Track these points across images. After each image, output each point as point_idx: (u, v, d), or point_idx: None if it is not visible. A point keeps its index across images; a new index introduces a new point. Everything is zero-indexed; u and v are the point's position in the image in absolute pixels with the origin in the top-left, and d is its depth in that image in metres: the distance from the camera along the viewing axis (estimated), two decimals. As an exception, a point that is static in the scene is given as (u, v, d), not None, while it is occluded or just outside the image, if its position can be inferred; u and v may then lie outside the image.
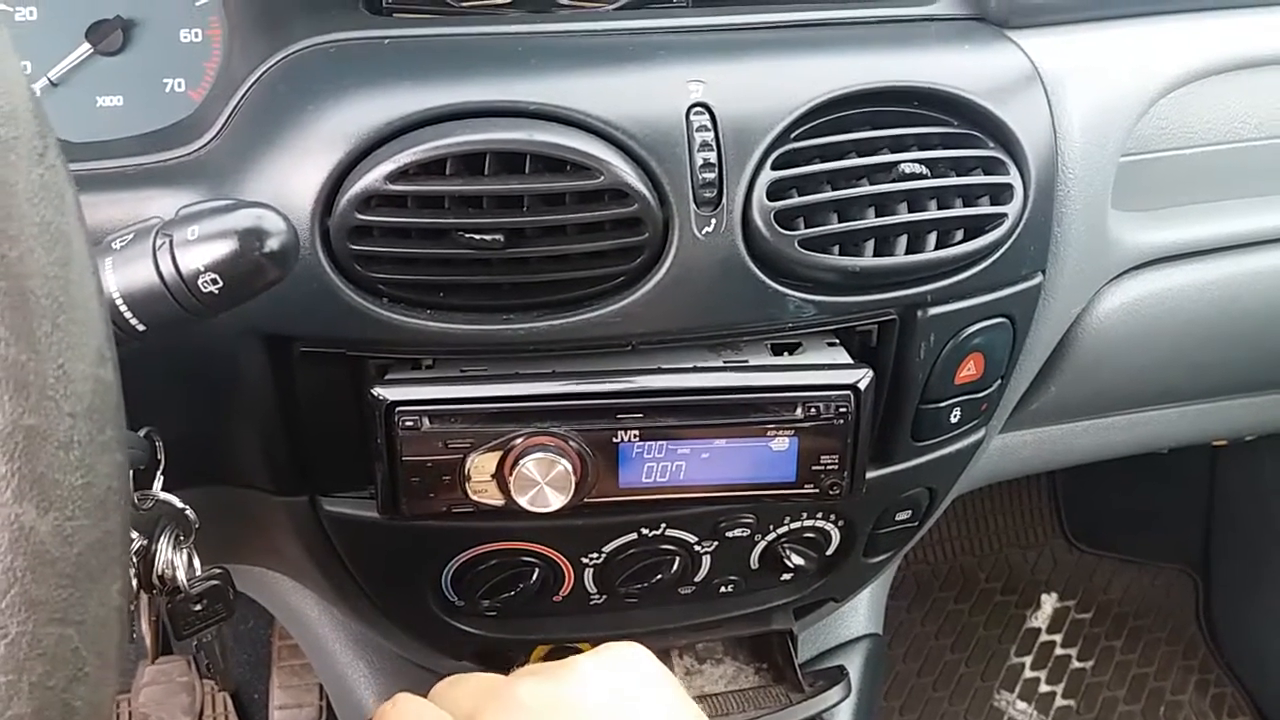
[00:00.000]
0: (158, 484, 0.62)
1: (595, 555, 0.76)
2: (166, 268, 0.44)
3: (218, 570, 0.67)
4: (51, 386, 0.27)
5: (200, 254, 0.44)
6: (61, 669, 0.28)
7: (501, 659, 0.90)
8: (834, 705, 0.85)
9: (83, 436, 0.28)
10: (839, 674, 0.87)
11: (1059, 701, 1.69)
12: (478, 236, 0.58)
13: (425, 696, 0.52)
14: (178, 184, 0.61)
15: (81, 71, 0.71)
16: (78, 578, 0.28)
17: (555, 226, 0.59)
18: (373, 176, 0.57)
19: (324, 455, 0.69)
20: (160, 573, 0.64)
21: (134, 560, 0.63)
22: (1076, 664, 1.73)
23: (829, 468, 0.67)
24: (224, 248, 0.44)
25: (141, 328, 0.45)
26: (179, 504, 0.62)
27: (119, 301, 0.44)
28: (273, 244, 0.45)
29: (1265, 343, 0.97)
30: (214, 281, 0.44)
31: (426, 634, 0.83)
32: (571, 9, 0.73)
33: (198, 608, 0.65)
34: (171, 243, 0.44)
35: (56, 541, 0.27)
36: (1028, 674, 1.72)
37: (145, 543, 0.64)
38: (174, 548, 0.64)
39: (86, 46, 0.70)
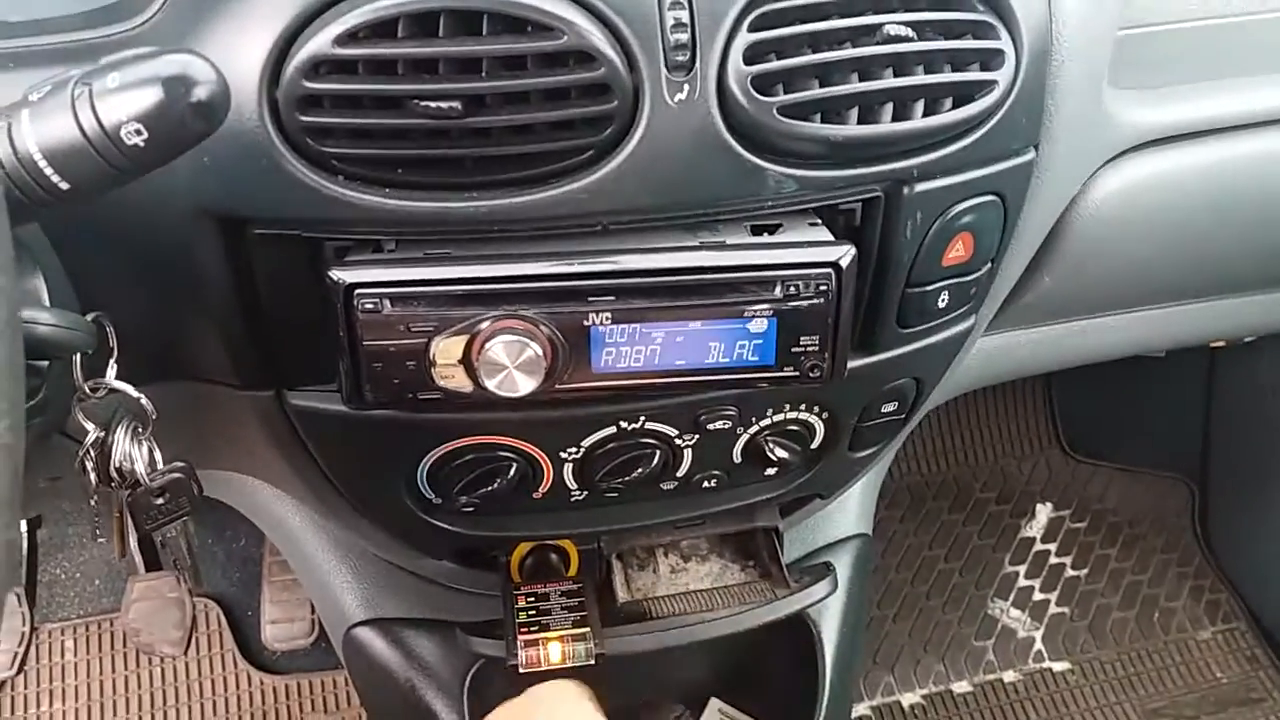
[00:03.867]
0: (111, 372, 0.60)
1: (574, 450, 0.74)
2: (87, 119, 0.40)
3: (180, 464, 0.65)
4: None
5: (123, 103, 0.40)
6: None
7: (482, 558, 0.89)
8: (820, 600, 0.84)
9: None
10: (825, 569, 0.86)
11: (1053, 609, 1.70)
12: (433, 104, 0.55)
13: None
14: (119, 57, 0.58)
15: (19, -54, 0.67)
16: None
17: (517, 93, 0.56)
18: (320, 40, 0.54)
19: (287, 346, 0.67)
20: (118, 465, 0.62)
21: (90, 452, 0.62)
22: (1071, 572, 1.74)
23: (809, 349, 0.64)
24: (148, 96, 0.41)
25: (65, 186, 0.42)
26: (134, 393, 0.60)
27: (38, 157, 0.41)
28: (200, 93, 0.41)
29: (1265, 233, 0.94)
30: (138, 133, 0.40)
31: (405, 533, 0.82)
32: None
33: (159, 501, 0.63)
34: (91, 92, 0.40)
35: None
36: (1022, 582, 1.72)
37: (101, 435, 0.62)
38: (131, 440, 0.62)
39: (21, -82, 0.66)
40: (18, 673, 1.50)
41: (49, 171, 0.41)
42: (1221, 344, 1.50)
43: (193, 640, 1.51)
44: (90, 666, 1.52)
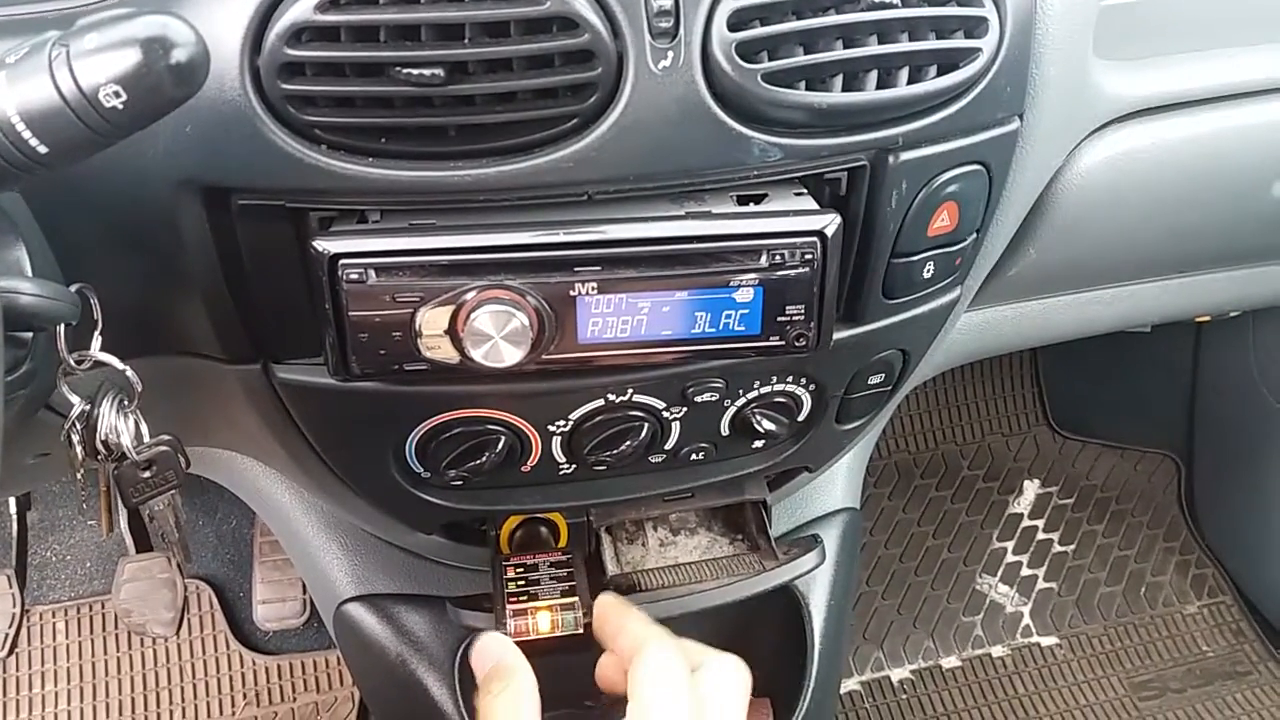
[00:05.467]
0: (96, 344, 0.59)
1: (562, 423, 0.74)
2: (65, 81, 0.40)
3: (167, 437, 0.65)
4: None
5: (101, 65, 0.40)
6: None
7: (471, 532, 0.89)
8: (808, 572, 0.84)
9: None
10: (813, 542, 0.86)
11: (1040, 584, 1.71)
12: (416, 71, 0.54)
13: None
14: (99, 26, 0.58)
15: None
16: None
17: (499, 60, 0.55)
18: (302, 7, 0.54)
19: (272, 319, 0.67)
20: (104, 438, 0.62)
21: (76, 425, 0.61)
22: (1058, 548, 1.75)
23: (795, 319, 0.64)
24: (127, 58, 0.40)
25: (44, 150, 0.41)
26: (119, 364, 0.60)
27: (16, 121, 0.41)
28: (179, 55, 0.41)
29: (1250, 204, 0.94)
30: (117, 95, 0.40)
31: (394, 507, 0.82)
32: None
33: (146, 474, 0.63)
34: (68, 53, 0.40)
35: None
36: (1010, 558, 1.73)
37: (87, 408, 0.62)
38: (117, 412, 0.62)
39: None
40: (9, 654, 1.50)
41: (27, 135, 0.41)
42: (1207, 319, 1.50)
43: (184, 621, 1.51)
44: (82, 648, 1.52)
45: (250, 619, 1.56)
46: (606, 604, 0.70)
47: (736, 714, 0.61)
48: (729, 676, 0.63)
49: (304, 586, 1.53)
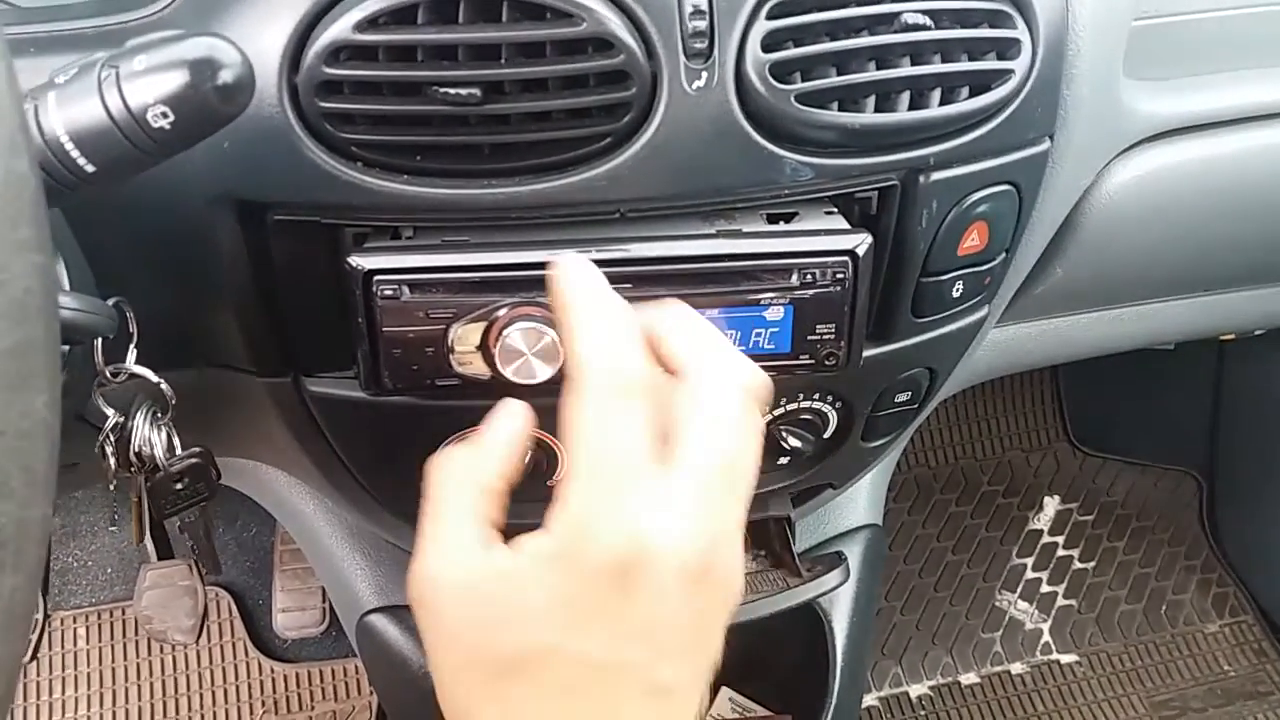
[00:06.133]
0: (131, 357, 0.60)
1: (588, 438, 0.74)
2: (114, 102, 0.41)
3: (198, 449, 0.65)
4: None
5: (149, 86, 0.41)
6: (-20, 483, 0.26)
7: (496, 547, 0.89)
8: (833, 589, 0.84)
9: (-10, 233, 0.26)
10: (837, 559, 0.86)
11: (1060, 601, 1.70)
12: (453, 91, 0.55)
13: None
14: (139, 43, 0.58)
15: (37, -67, 0.67)
16: (-6, 386, 0.26)
17: (535, 80, 0.56)
18: (341, 26, 0.54)
19: (305, 333, 0.67)
20: (138, 450, 0.62)
21: (110, 437, 0.62)
22: (1078, 565, 1.74)
23: (825, 338, 0.64)
24: (175, 79, 0.41)
25: (91, 168, 0.42)
26: (154, 378, 0.61)
27: (65, 140, 0.41)
28: (226, 76, 0.42)
29: (1278, 224, 0.94)
30: (164, 115, 0.41)
31: (420, 519, 0.82)
32: None
33: (178, 486, 0.64)
34: (118, 75, 0.41)
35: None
36: (1029, 575, 1.72)
37: (121, 420, 0.62)
38: (151, 425, 0.63)
39: (40, -95, 0.66)
40: (31, 660, 1.51)
41: (75, 154, 0.42)
42: (1231, 337, 1.50)
43: (204, 629, 1.52)
44: (102, 654, 1.53)
45: (270, 627, 1.57)
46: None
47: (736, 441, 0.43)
48: (726, 387, 0.44)
49: (324, 595, 1.54)
